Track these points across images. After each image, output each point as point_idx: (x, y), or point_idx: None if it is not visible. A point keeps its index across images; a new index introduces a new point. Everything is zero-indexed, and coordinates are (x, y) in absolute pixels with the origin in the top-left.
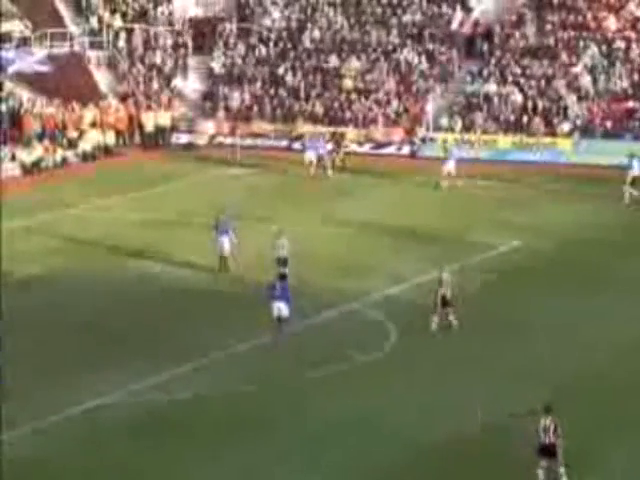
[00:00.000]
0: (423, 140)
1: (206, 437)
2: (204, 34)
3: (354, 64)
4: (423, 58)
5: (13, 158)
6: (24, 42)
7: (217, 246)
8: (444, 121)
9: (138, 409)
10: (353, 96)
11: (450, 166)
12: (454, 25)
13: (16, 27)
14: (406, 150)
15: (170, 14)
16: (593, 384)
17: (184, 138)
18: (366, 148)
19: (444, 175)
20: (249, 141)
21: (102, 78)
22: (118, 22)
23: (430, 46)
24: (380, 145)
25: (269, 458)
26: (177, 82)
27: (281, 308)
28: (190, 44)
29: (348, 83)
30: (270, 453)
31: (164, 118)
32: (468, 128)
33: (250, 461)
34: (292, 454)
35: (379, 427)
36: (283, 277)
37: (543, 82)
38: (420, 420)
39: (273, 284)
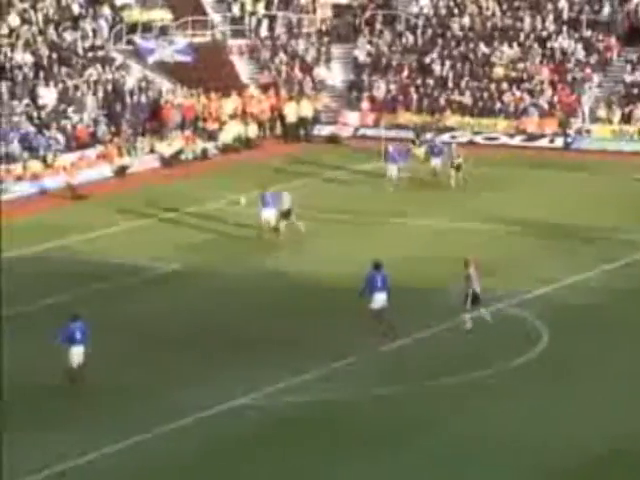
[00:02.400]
0: (578, 132)
1: (348, 442)
2: (348, 22)
3: (506, 52)
4: (579, 46)
5: (152, 150)
6: (165, 31)
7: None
8: (601, 112)
9: (274, 412)
10: (504, 85)
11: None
12: (606, 10)
13: (157, 16)
14: (559, 142)
15: (314, 1)
16: None
17: (326, 130)
18: (517, 140)
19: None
20: (394, 133)
21: (243, 67)
22: (261, 9)
23: (587, 33)
24: (532, 137)
25: (403, 469)
26: (320, 72)
27: (385, 299)
28: (334, 32)
29: (499, 72)
30: (407, 463)
31: (307, 109)
32: (627, 120)
33: (388, 470)
34: (436, 463)
35: (530, 437)
36: (378, 267)
37: None
38: (574, 430)
39: (373, 275)
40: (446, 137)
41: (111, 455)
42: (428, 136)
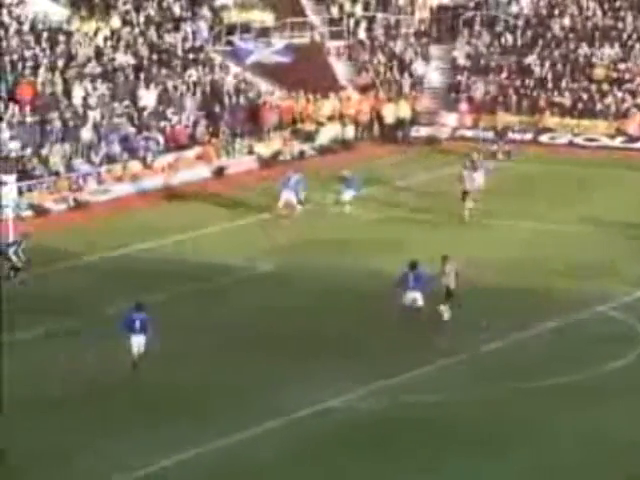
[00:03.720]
0: None
1: (445, 444)
2: (447, 22)
3: (607, 52)
4: None
5: (250, 151)
6: (264, 32)
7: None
8: None
9: (364, 415)
10: (605, 86)
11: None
12: None
13: (256, 17)
14: None
15: (412, 2)
16: None
17: (424, 131)
18: (617, 142)
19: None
20: (493, 134)
21: (341, 69)
22: (359, 11)
23: None
24: (633, 139)
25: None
26: (418, 73)
27: (417, 298)
28: (433, 33)
29: (600, 73)
30: (510, 468)
31: (405, 110)
32: None
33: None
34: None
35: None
36: (414, 266)
37: None
38: None
39: (405, 274)
40: (545, 138)
41: (200, 456)
42: (509, 135)
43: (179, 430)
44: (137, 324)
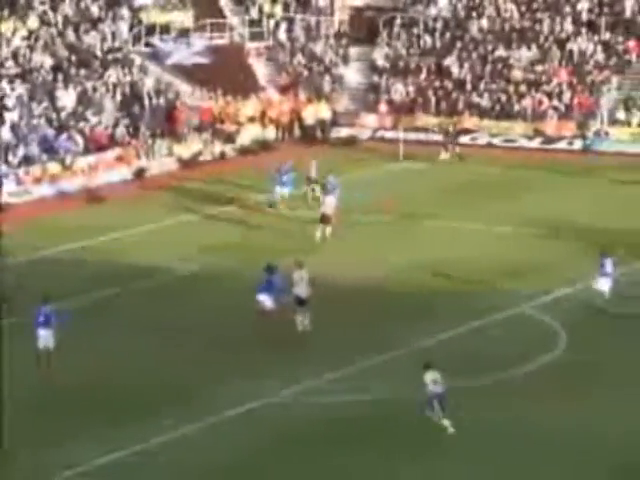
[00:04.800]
0: (597, 135)
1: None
2: (366, 24)
3: (524, 54)
4: (598, 48)
5: (170, 152)
6: (184, 33)
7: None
8: (620, 115)
9: (304, 413)
10: (522, 88)
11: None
12: (628, 12)
13: (176, 18)
14: (578, 145)
15: (332, 4)
16: None
17: (344, 132)
18: (535, 143)
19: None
20: (412, 135)
21: (261, 70)
22: (278, 12)
23: (606, 35)
24: (550, 140)
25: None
26: (338, 74)
27: (264, 300)
28: (352, 34)
29: (517, 74)
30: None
31: (325, 111)
32: None
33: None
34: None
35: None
36: (270, 270)
37: None
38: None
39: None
40: (466, 139)
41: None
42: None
43: (122, 428)
44: (42, 318)
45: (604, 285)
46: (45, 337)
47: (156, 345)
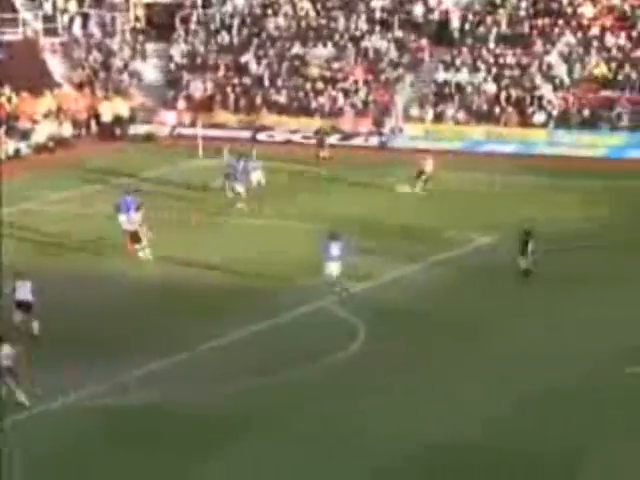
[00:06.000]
0: (392, 131)
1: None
2: (163, 20)
3: (320, 52)
4: (392, 46)
5: None
6: None
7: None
8: (414, 111)
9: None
10: (319, 85)
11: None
12: (418, 10)
13: None
14: (375, 141)
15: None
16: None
17: (143, 129)
18: (333, 139)
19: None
20: (211, 132)
21: (57, 66)
22: (73, 7)
23: (399, 33)
24: (348, 136)
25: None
26: (135, 70)
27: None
28: (148, 30)
29: (314, 71)
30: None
31: (122, 108)
32: (439, 118)
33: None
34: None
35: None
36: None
37: (517, 71)
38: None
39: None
40: (263, 136)
41: None
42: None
43: None
44: None
45: (333, 269)
46: None
47: None
